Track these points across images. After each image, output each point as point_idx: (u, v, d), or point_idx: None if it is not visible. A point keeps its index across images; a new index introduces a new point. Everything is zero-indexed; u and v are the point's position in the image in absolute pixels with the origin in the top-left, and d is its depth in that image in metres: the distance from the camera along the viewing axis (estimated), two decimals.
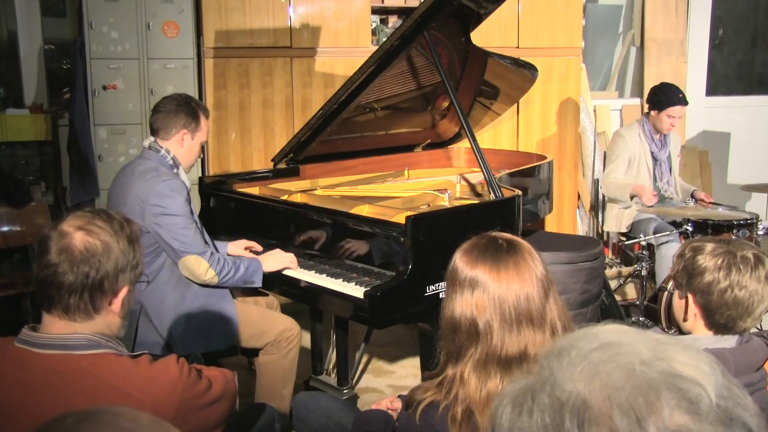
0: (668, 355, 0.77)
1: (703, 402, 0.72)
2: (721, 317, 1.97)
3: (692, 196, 5.07)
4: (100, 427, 0.85)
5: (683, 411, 0.72)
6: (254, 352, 3.40)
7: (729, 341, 2.00)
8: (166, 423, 0.89)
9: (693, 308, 2.02)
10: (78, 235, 1.72)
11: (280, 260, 3.32)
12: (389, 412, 2.14)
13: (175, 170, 3.23)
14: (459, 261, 1.81)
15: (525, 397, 0.80)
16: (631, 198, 4.96)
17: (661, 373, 0.75)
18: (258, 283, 3.25)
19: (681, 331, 2.13)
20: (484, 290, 1.74)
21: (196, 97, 4.88)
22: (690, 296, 2.02)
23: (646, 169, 5.10)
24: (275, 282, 3.36)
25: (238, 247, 3.54)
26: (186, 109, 3.25)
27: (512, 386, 0.84)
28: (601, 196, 6.14)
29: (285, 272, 3.34)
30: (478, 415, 1.70)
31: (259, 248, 3.56)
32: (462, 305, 1.76)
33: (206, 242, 3.24)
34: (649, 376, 0.74)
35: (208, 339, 3.19)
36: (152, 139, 3.26)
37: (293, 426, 2.62)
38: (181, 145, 3.25)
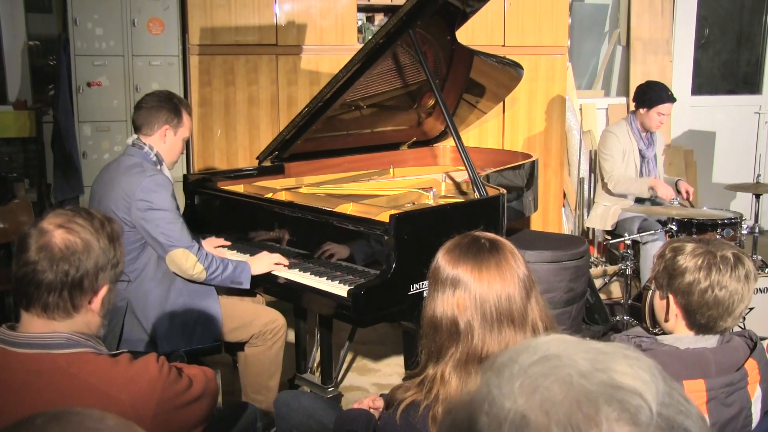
0: (607, 366, 0.76)
1: (643, 413, 0.72)
2: (701, 317, 1.97)
3: (676, 186, 5.09)
4: (67, 428, 0.84)
5: (623, 423, 0.71)
6: (238, 348, 3.40)
7: (710, 341, 2.01)
8: (134, 424, 0.89)
9: (674, 308, 2.02)
10: (58, 233, 1.71)
11: (268, 263, 3.30)
12: (371, 411, 2.14)
13: (158, 167, 3.23)
14: (441, 260, 1.80)
15: (464, 418, 0.79)
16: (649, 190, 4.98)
17: (600, 384, 0.74)
18: (246, 285, 3.24)
19: (665, 331, 2.13)
20: (466, 290, 1.73)
21: (181, 94, 4.88)
22: (671, 296, 2.02)
23: (634, 167, 5.12)
24: (260, 280, 3.34)
25: (209, 245, 3.55)
26: (168, 105, 3.25)
27: (452, 405, 0.83)
28: (586, 195, 6.16)
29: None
30: None
31: (227, 243, 3.64)
32: (443, 304, 1.75)
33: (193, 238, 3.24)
34: (588, 389, 0.73)
35: (191, 336, 3.19)
36: (135, 136, 3.26)
37: (275, 424, 2.61)
38: (164, 141, 3.25)
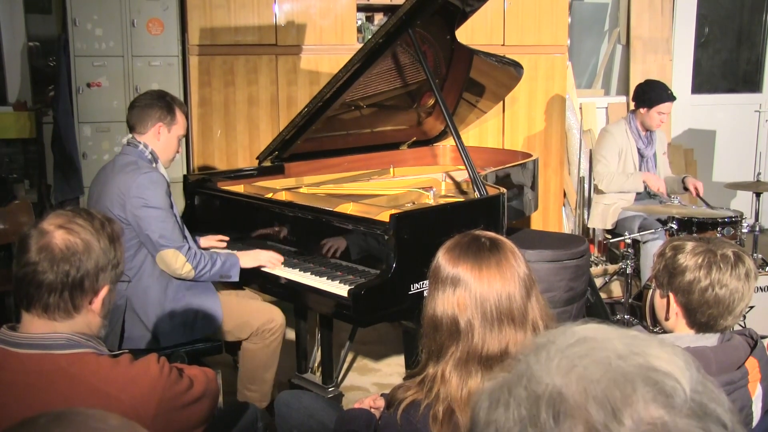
0: (644, 350, 0.78)
1: (678, 395, 0.73)
2: (702, 316, 1.97)
3: (684, 183, 5.07)
4: (70, 428, 0.84)
5: (659, 404, 0.72)
6: (239, 347, 3.41)
7: (710, 339, 2.01)
8: (136, 424, 0.89)
9: (674, 307, 2.02)
10: (58, 233, 1.71)
11: (256, 257, 3.33)
12: (372, 410, 2.14)
13: (153, 164, 3.25)
14: (441, 259, 1.81)
15: (502, 391, 0.81)
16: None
17: (637, 366, 0.75)
18: (235, 278, 3.27)
19: (665, 330, 2.13)
20: (466, 288, 1.73)
21: (181, 94, 4.89)
22: (671, 295, 2.02)
23: (632, 166, 5.11)
24: (260, 280, 3.35)
25: (208, 241, 3.58)
26: (160, 102, 3.27)
27: (490, 382, 0.85)
28: (587, 194, 6.15)
29: (269, 270, 3.34)
30: (459, 413, 1.70)
31: (226, 238, 3.64)
32: (443, 303, 1.75)
33: (185, 237, 3.24)
34: (625, 370, 0.75)
35: (192, 329, 3.21)
36: (130, 135, 3.28)
37: (275, 424, 2.61)
38: (158, 139, 3.26)
